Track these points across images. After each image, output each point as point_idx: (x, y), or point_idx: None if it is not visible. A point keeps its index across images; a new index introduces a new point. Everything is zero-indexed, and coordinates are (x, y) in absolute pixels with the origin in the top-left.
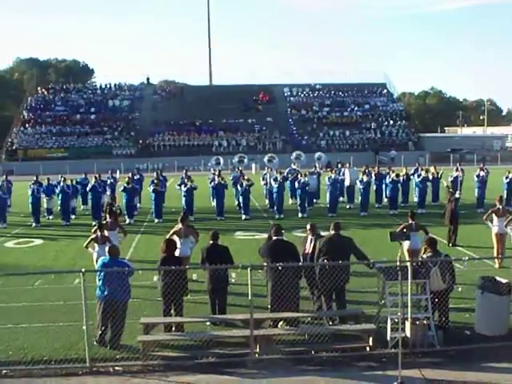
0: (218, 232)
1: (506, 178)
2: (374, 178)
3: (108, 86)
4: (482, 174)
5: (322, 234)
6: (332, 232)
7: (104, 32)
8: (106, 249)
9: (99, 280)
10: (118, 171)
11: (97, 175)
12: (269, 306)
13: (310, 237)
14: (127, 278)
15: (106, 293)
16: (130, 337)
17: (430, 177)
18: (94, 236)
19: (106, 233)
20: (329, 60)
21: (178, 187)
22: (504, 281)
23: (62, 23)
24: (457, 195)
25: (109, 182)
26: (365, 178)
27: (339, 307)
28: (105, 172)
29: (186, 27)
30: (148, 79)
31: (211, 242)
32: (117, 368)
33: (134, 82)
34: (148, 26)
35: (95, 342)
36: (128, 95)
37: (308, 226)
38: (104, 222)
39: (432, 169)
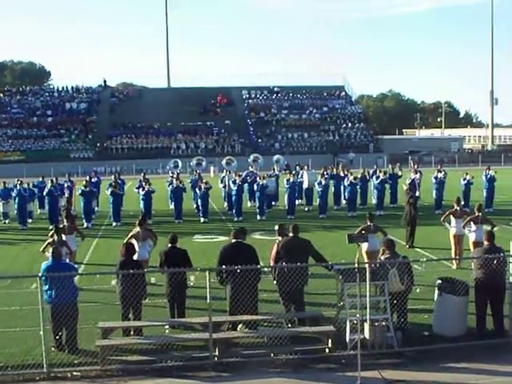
0: (176, 235)
1: (464, 179)
2: (335, 178)
3: (65, 89)
4: (439, 175)
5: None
6: (290, 234)
7: (61, 34)
8: (63, 252)
9: (45, 285)
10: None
11: (53, 179)
12: (227, 309)
13: (278, 238)
14: (72, 279)
15: (52, 297)
16: (88, 341)
17: (388, 175)
18: (50, 240)
19: (63, 237)
20: (288, 62)
21: (137, 190)
22: (462, 281)
23: (18, 25)
24: (417, 193)
25: (66, 185)
26: (323, 181)
27: (298, 309)
28: (62, 175)
29: (144, 30)
30: (105, 82)
31: (170, 245)
32: (75, 373)
33: (92, 85)
34: (105, 29)
35: (53, 348)
36: (85, 98)
37: (276, 228)
38: (61, 225)
39: (396, 169)
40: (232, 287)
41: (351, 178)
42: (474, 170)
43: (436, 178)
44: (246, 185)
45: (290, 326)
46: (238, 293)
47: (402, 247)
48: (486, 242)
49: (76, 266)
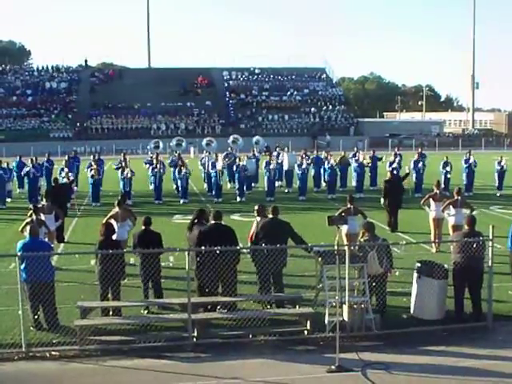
0: (150, 217)
1: (444, 163)
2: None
3: (45, 68)
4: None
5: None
6: (270, 216)
7: (41, 13)
8: (43, 232)
9: (21, 263)
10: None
11: (33, 158)
12: (206, 290)
13: (257, 218)
14: (48, 257)
15: (28, 275)
16: (66, 321)
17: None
18: (29, 220)
19: (42, 216)
20: (268, 44)
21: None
22: (441, 265)
23: None
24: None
25: (45, 165)
26: (304, 162)
27: (277, 291)
28: (41, 155)
29: (125, 9)
30: (86, 61)
31: (143, 227)
32: (53, 353)
33: (72, 64)
34: (85, 8)
35: (32, 327)
36: (65, 77)
37: (256, 207)
38: (40, 205)
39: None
40: (211, 268)
41: (332, 161)
42: (454, 153)
43: (416, 161)
44: (225, 166)
45: (268, 307)
46: (217, 274)
47: (382, 230)
48: (466, 227)
49: (53, 245)
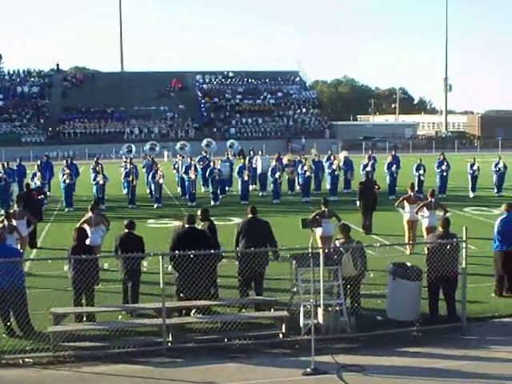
0: (133, 221)
1: (418, 165)
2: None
3: (16, 72)
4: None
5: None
6: (249, 216)
7: (13, 16)
8: (15, 238)
9: None
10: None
11: (4, 163)
12: (181, 295)
13: (201, 223)
14: (17, 263)
15: None
16: (40, 327)
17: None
18: (1, 225)
19: (14, 222)
20: (242, 47)
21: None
22: (415, 267)
23: None
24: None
25: (17, 170)
26: (277, 164)
27: (257, 294)
28: (13, 160)
29: (97, 12)
30: (58, 65)
31: (126, 230)
32: (26, 360)
33: (44, 68)
34: (58, 11)
35: (4, 334)
36: (37, 81)
37: (199, 212)
38: (11, 211)
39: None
40: (181, 272)
41: (306, 167)
42: (427, 156)
43: (389, 164)
44: (199, 170)
45: (243, 311)
46: (192, 278)
47: (357, 232)
48: (440, 228)
49: (22, 250)
